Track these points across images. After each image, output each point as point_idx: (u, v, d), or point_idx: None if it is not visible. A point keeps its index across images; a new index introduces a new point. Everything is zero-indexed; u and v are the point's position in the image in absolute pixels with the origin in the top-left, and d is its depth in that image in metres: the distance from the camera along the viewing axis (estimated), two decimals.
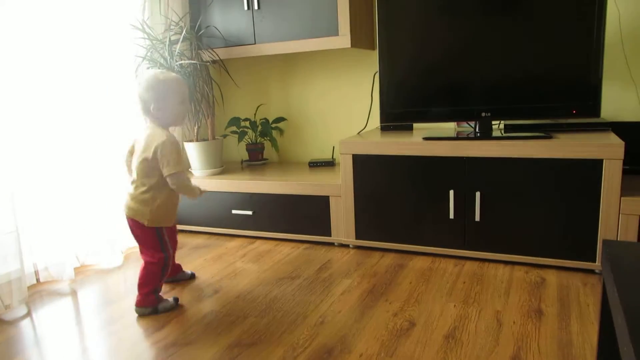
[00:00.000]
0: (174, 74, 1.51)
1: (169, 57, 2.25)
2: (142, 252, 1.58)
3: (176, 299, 1.61)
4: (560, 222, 1.73)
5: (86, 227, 2.04)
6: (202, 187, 1.62)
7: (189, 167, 1.62)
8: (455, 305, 1.54)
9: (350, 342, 1.35)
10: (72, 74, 1.97)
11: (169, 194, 1.55)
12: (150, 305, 1.56)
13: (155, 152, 1.47)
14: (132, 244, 2.23)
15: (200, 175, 2.44)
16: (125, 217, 1.56)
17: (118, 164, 2.15)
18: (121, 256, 2.10)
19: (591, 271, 1.75)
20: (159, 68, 2.24)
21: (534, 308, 1.50)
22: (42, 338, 1.48)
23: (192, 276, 1.85)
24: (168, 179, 1.49)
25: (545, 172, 1.72)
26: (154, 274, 1.55)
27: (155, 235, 1.55)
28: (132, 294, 1.75)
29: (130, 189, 1.55)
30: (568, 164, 1.68)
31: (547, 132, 1.88)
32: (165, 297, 1.65)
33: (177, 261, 1.87)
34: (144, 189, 1.51)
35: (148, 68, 2.24)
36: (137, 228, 1.54)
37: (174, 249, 1.73)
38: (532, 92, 1.81)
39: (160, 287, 1.59)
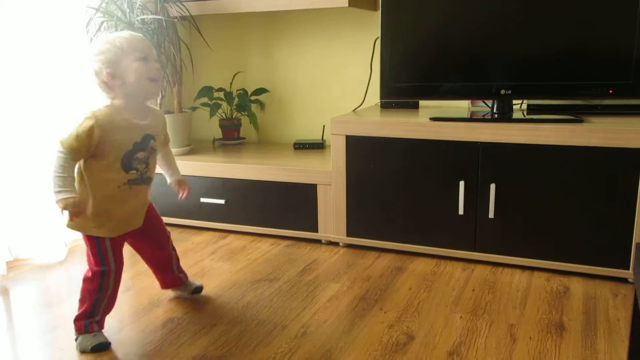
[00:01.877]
0: (127, 32, 1.40)
1: (127, 11, 2.21)
2: None
3: (106, 344, 1.41)
4: (589, 221, 1.74)
5: (22, 213, 2.01)
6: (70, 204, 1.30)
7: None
8: (461, 317, 1.54)
9: (336, 358, 1.34)
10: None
11: (94, 195, 1.38)
12: (78, 331, 1.43)
13: None
14: (79, 235, 2.20)
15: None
16: None
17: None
18: (64, 249, 2.07)
19: (623, 280, 1.76)
20: (116, 23, 2.20)
21: (554, 322, 1.51)
22: None
23: (198, 290, 1.72)
24: None
25: (573, 162, 1.72)
26: (87, 292, 1.42)
27: (93, 244, 1.41)
28: (76, 295, 1.72)
29: None
30: (600, 153, 1.68)
31: (577, 114, 1.88)
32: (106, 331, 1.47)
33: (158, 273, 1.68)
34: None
35: (102, 23, 2.19)
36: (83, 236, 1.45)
37: (155, 264, 1.63)
38: (562, 67, 1.80)
39: (96, 312, 1.42)
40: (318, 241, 2.18)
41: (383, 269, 1.89)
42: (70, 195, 1.29)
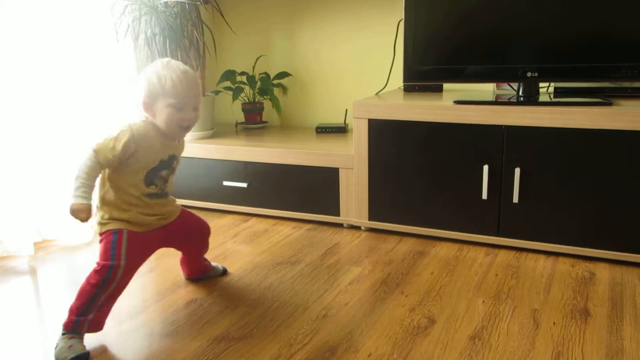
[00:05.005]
0: (182, 71, 1.37)
1: None
2: None
3: (84, 356, 1.30)
4: (617, 206, 1.70)
5: (50, 195, 2.05)
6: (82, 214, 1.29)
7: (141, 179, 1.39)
8: (484, 302, 1.53)
9: (357, 340, 1.35)
10: (30, 25, 1.94)
11: (119, 198, 1.39)
12: (65, 327, 1.32)
13: None
14: None
15: (187, 139, 2.42)
16: None
17: (89, 129, 2.15)
18: (91, 231, 2.11)
19: None
20: (140, 7, 2.20)
21: (579, 307, 1.49)
22: None
23: (225, 272, 1.76)
24: None
25: (602, 146, 1.68)
26: (88, 285, 1.32)
27: (109, 238, 1.37)
28: None
29: None
30: (630, 137, 1.64)
31: (606, 97, 1.84)
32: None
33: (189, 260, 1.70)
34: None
35: (126, 6, 2.20)
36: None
37: (199, 251, 1.66)
38: (590, 48, 1.76)
39: (90, 309, 1.32)
40: (340, 225, 2.18)
41: (405, 253, 1.89)
42: (85, 202, 1.28)
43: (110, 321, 1.45)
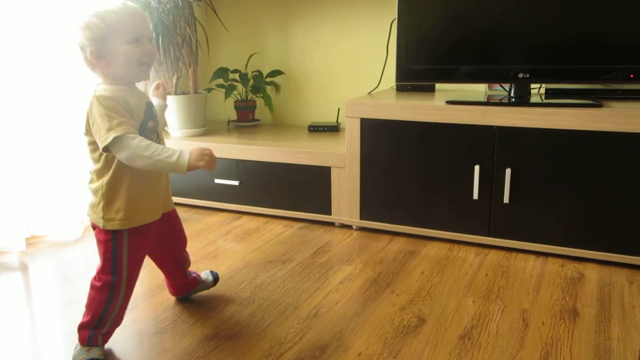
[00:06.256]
0: (122, 2, 1.19)
1: None
2: None
3: None
4: (606, 207, 1.71)
5: (39, 191, 2.03)
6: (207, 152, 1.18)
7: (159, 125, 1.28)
8: (474, 301, 1.54)
9: (347, 339, 1.35)
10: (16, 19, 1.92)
11: (131, 178, 1.23)
12: (81, 341, 1.28)
13: (88, 123, 1.19)
14: None
15: (179, 136, 2.41)
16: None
17: (77, 123, 2.13)
18: (80, 227, 2.09)
19: None
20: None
21: (568, 308, 1.49)
22: None
23: (216, 280, 1.61)
24: (115, 154, 1.17)
25: (592, 147, 1.69)
26: (96, 302, 1.27)
27: (109, 245, 1.25)
28: (92, 272, 1.74)
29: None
30: (619, 139, 1.65)
31: (596, 99, 1.85)
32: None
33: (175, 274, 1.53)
34: (92, 177, 1.25)
35: None
36: (97, 234, 1.28)
37: (169, 266, 1.49)
38: (581, 50, 1.77)
39: (103, 323, 1.28)
40: (331, 224, 2.18)
41: (396, 253, 1.89)
42: (185, 153, 1.15)
43: None
